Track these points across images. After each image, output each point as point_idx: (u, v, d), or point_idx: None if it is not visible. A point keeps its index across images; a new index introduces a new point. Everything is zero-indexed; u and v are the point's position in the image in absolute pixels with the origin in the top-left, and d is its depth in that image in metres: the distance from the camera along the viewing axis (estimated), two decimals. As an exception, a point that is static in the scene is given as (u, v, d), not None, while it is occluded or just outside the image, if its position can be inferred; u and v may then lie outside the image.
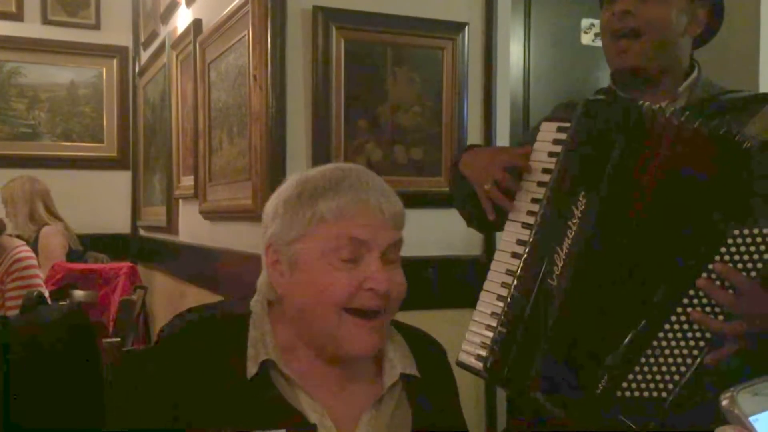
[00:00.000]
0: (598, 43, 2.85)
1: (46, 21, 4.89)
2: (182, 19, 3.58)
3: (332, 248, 1.07)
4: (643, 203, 1.24)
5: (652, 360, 1.20)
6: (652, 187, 1.23)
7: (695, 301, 1.18)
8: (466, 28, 2.46)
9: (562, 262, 1.27)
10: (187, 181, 3.45)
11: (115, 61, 5.06)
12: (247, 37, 2.45)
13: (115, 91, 5.07)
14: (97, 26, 5.00)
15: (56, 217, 4.22)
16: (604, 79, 2.89)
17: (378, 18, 2.37)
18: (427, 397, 1.17)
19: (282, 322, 1.14)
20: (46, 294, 3.19)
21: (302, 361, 1.12)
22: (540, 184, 1.36)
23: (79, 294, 3.71)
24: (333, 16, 2.31)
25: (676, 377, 1.19)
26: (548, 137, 1.39)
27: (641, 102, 1.29)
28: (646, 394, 1.20)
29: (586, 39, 2.94)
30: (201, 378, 1.06)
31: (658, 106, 1.29)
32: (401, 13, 2.39)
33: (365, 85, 2.36)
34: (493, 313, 1.37)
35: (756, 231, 1.13)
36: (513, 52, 2.77)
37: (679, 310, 1.19)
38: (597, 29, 2.85)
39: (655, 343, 1.20)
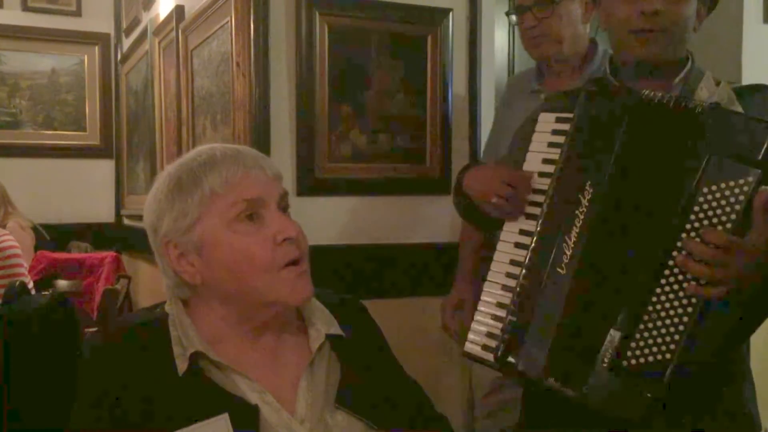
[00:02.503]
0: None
1: (26, 8, 4.83)
2: (164, 5, 3.54)
3: (233, 216, 1.10)
4: (638, 186, 1.30)
5: (650, 325, 1.25)
6: (645, 169, 1.30)
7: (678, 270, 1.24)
8: (450, 14, 2.45)
9: (570, 250, 1.33)
10: (171, 169, 3.43)
11: (96, 49, 5.01)
12: (229, 23, 2.43)
13: (97, 78, 5.02)
14: (78, 13, 4.95)
15: (15, 210, 4.10)
16: (589, 65, 2.88)
17: (362, 4, 2.36)
18: (355, 352, 1.21)
19: (203, 315, 1.15)
20: (30, 284, 3.16)
21: (230, 346, 1.13)
22: (541, 174, 1.42)
23: (62, 284, 3.70)
24: (317, 2, 2.29)
25: (676, 337, 1.23)
26: (547, 128, 1.45)
27: (644, 90, 1.35)
28: (651, 358, 1.24)
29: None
30: (134, 387, 1.06)
31: (660, 93, 1.34)
32: (385, -1, 2.38)
33: (349, 71, 2.34)
34: (499, 303, 1.42)
35: (723, 185, 1.21)
36: (497, 38, 2.76)
37: (667, 272, 1.24)
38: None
39: (650, 308, 1.25)
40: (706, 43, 2.33)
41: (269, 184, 1.14)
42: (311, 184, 2.27)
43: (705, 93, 1.42)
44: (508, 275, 1.42)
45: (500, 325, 1.39)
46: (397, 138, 2.40)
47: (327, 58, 2.31)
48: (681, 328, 1.23)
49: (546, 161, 1.44)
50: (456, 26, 2.46)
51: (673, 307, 1.24)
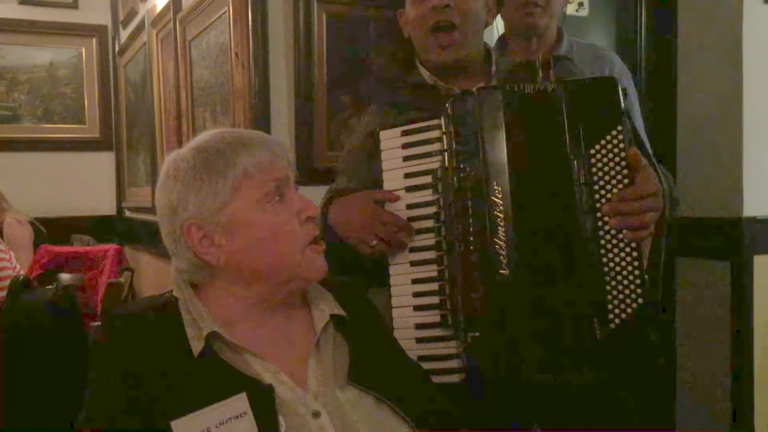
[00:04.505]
0: (582, 12, 2.84)
1: (22, 1, 4.81)
2: (161, -4, 3.53)
3: (263, 195, 1.15)
4: (534, 170, 1.37)
5: (613, 283, 1.33)
6: (532, 152, 1.36)
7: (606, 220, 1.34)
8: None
9: (505, 251, 1.35)
10: (171, 161, 3.42)
11: (94, 41, 4.99)
12: (227, 13, 2.41)
13: (95, 71, 5.01)
14: (74, 5, 4.93)
15: (10, 205, 4.07)
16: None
17: (360, -8, 2.35)
18: (359, 331, 1.25)
19: (215, 298, 1.17)
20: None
21: (242, 328, 1.16)
22: (409, 189, 1.45)
23: (65, 277, 3.69)
24: (315, -9, 2.28)
25: (637, 272, 1.32)
26: (395, 144, 1.47)
27: (495, 86, 1.44)
28: (631, 310, 1.32)
29: (570, 9, 2.92)
30: (150, 369, 1.07)
31: (515, 84, 1.40)
32: (383, -13, 2.36)
33: (348, 60, 2.33)
34: (418, 325, 1.45)
35: (602, 142, 1.32)
36: (497, 25, 2.73)
37: (602, 233, 1.33)
38: (581, -1, 2.84)
39: (606, 269, 1.33)
40: (706, 25, 2.31)
41: (289, 168, 1.20)
42: (310, 173, 2.27)
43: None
44: (416, 294, 1.44)
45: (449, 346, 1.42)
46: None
47: (325, 47, 2.30)
48: (637, 272, 1.32)
49: (408, 175, 1.45)
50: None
51: (623, 259, 1.33)
